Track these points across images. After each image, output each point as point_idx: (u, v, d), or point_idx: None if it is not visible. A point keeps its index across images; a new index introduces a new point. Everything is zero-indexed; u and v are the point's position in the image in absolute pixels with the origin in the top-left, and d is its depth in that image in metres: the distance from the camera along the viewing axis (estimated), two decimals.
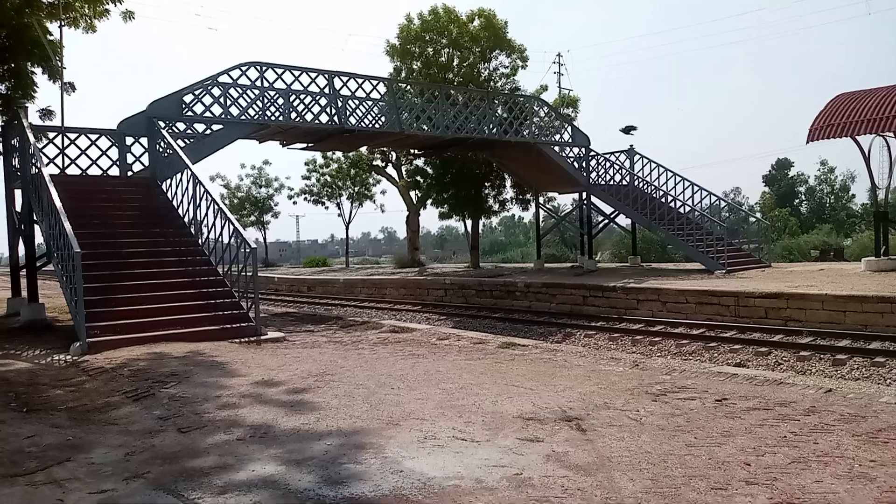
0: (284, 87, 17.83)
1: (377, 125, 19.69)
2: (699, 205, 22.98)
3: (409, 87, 22.96)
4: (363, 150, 32.62)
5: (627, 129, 28.74)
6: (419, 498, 3.91)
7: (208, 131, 16.71)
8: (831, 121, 16.21)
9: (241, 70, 17.15)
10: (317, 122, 18.42)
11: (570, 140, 23.81)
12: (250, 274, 11.15)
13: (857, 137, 16.54)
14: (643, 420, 5.48)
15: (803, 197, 61.93)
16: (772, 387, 6.60)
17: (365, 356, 9.30)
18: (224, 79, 16.85)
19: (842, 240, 35.77)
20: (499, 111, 22.67)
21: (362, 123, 19.26)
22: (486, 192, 28.51)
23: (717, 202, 23.69)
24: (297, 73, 18.08)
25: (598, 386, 6.85)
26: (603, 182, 24.21)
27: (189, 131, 16.49)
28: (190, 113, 16.37)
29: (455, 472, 4.33)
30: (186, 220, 13.47)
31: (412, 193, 33.37)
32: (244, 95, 17.15)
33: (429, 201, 30.83)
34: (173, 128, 16.03)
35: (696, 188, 23.00)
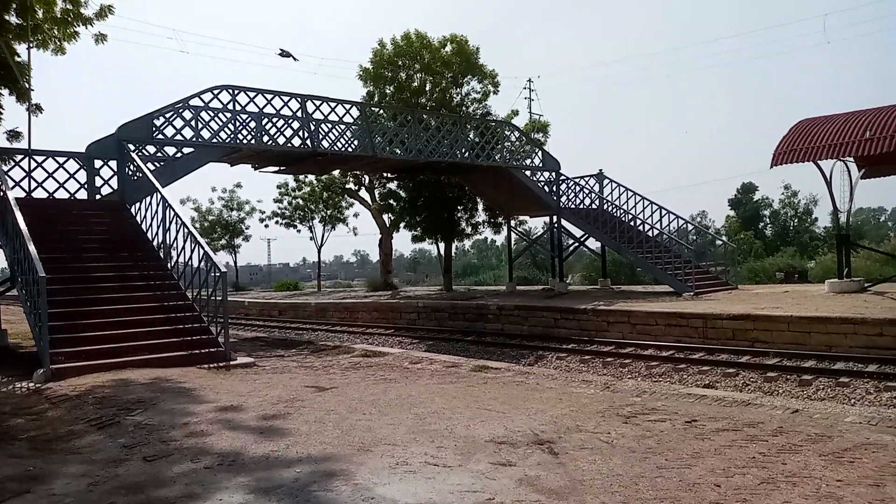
0: (257, 110, 17.81)
1: (350, 149, 19.73)
2: (667, 228, 23.34)
3: (381, 111, 23.10)
4: (336, 173, 32.61)
5: (284, 53, 27.24)
6: None
7: (179, 154, 16.59)
8: (794, 146, 16.65)
9: (212, 93, 17.10)
10: (289, 145, 18.40)
11: (540, 164, 24.09)
12: (220, 298, 11.01)
13: (818, 162, 16.99)
14: (614, 442, 5.50)
15: (768, 220, 63.26)
16: (740, 408, 6.69)
17: (336, 381, 9.21)
18: (195, 102, 16.77)
19: (805, 262, 36.57)
20: (471, 136, 22.89)
21: (335, 147, 19.28)
22: (459, 215, 28.65)
23: (685, 225, 24.09)
24: (269, 96, 18.08)
25: (570, 408, 6.87)
26: (573, 206, 24.50)
27: (159, 154, 16.34)
28: (160, 136, 16.24)
29: (427, 498, 4.30)
30: (156, 243, 13.29)
31: (385, 216, 33.38)
32: (216, 118, 17.09)
33: (402, 224, 30.87)
34: (143, 150, 15.88)
35: (663, 212, 23.37)
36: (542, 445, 5.46)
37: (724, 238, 27.40)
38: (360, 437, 5.92)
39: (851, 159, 17.67)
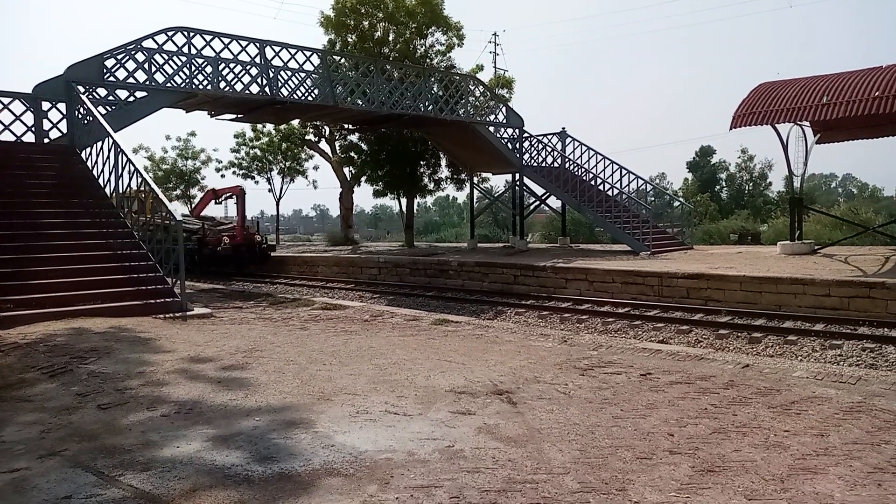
0: (213, 54, 17.20)
1: (310, 98, 19.27)
2: (627, 188, 23.60)
3: (343, 60, 22.56)
4: (295, 123, 31.92)
5: None
6: (351, 471, 3.88)
7: (132, 98, 15.97)
8: (753, 109, 16.87)
9: (166, 35, 16.42)
10: (247, 92, 17.88)
11: (504, 121, 23.95)
12: (175, 248, 10.77)
13: (776, 126, 17.27)
14: (571, 393, 5.61)
15: (724, 183, 64.45)
16: (693, 362, 6.87)
17: (296, 332, 9.16)
18: (149, 44, 16.10)
19: (759, 225, 37.46)
20: (434, 88, 22.56)
21: (294, 95, 18.81)
22: (422, 170, 28.41)
23: (644, 186, 24.38)
24: (226, 40, 17.46)
25: (529, 361, 6.97)
26: (536, 164, 24.51)
27: (111, 98, 15.70)
28: (112, 78, 15.59)
29: (387, 445, 4.33)
30: (108, 191, 12.87)
31: (346, 170, 32.91)
32: (170, 62, 16.45)
33: (363, 178, 30.48)
34: (94, 93, 15.24)
35: (624, 172, 23.58)
36: (501, 395, 5.53)
37: (681, 199, 27.84)
38: (321, 386, 5.91)
39: (808, 124, 18.02)
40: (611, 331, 11.90)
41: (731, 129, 17.27)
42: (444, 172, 29.23)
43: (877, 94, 15.05)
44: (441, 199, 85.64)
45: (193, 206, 32.31)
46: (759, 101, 16.93)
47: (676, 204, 25.97)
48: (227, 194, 27.71)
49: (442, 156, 28.18)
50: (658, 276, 14.68)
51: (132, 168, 11.80)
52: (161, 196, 11.16)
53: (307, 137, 34.97)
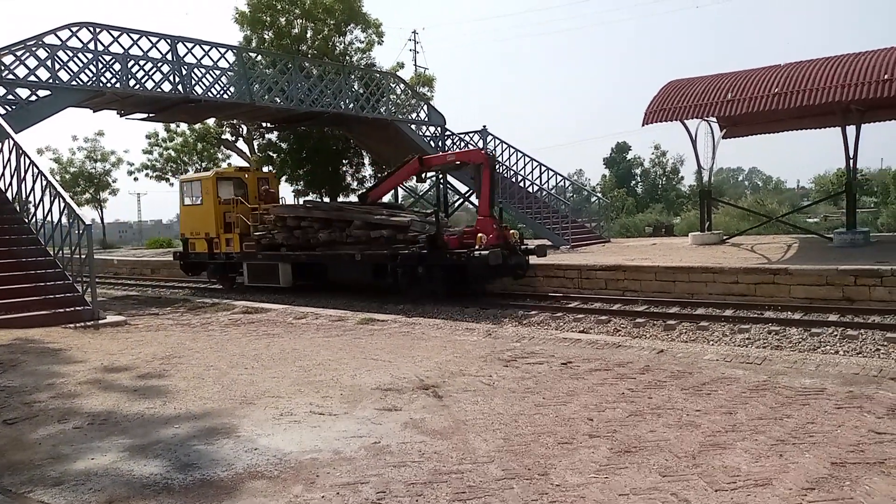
0: (121, 51, 16.49)
1: (225, 96, 18.77)
2: (547, 185, 24.10)
3: (260, 57, 22.06)
4: (211, 122, 30.97)
5: None
6: (275, 473, 3.84)
7: (34, 97, 15.13)
8: (663, 105, 17.57)
9: (70, 31, 15.65)
10: (158, 90, 17.24)
11: (426, 119, 24.01)
12: (85, 255, 10.29)
13: (685, 122, 18.06)
14: (496, 384, 5.71)
15: (639, 178, 66.84)
16: (611, 349, 7.12)
17: (216, 337, 8.93)
18: (51, 39, 15.29)
19: (672, 218, 39.07)
20: (355, 86, 22.38)
21: (209, 93, 18.27)
22: (344, 169, 28.13)
23: (563, 183, 24.98)
24: (135, 36, 16.78)
25: (454, 355, 7.05)
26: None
27: (10, 97, 14.82)
28: (11, 76, 14.71)
29: (312, 445, 4.29)
30: (10, 195, 12.15)
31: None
32: (75, 59, 15.68)
33: (283, 178, 29.90)
34: None
35: (544, 169, 24.09)
36: (427, 390, 5.58)
37: (598, 195, 28.70)
38: (243, 391, 5.80)
39: (714, 120, 18.92)
40: (533, 323, 12.14)
41: (643, 125, 17.94)
42: (368, 171, 29.06)
43: (776, 90, 15.95)
44: None
45: (374, 184, 19.54)
46: (669, 98, 17.65)
47: (594, 199, 26.74)
48: (453, 161, 16.94)
49: (365, 154, 27.99)
50: (578, 269, 15.08)
51: (36, 171, 11.19)
52: (68, 200, 10.64)
53: (224, 137, 33.98)
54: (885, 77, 14.48)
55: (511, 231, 15.19)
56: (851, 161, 17.02)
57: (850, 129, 16.84)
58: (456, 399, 5.28)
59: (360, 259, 15.31)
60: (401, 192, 28.40)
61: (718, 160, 22.65)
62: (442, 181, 24.96)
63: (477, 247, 14.06)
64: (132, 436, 4.62)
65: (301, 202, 20.81)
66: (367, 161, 28.58)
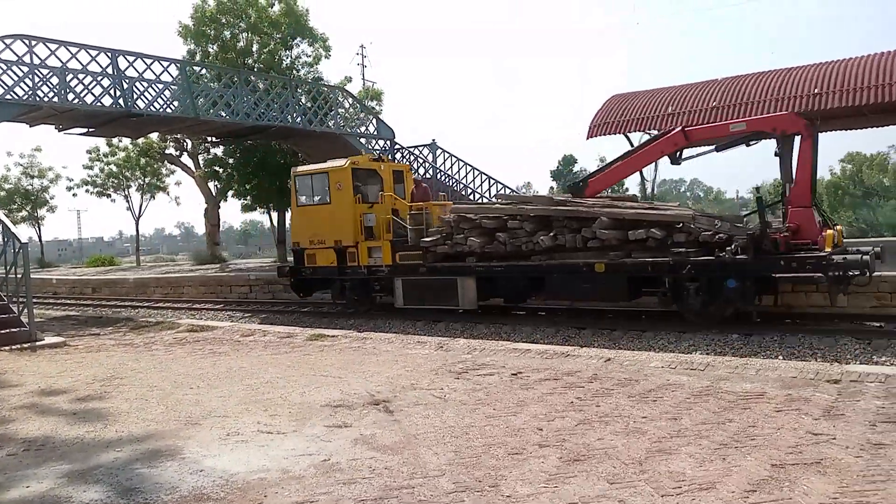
0: (59, 64, 15.99)
1: (169, 110, 18.38)
2: (494, 197, 24.32)
3: (204, 70, 21.69)
4: (154, 136, 30.28)
5: None
6: (221, 495, 3.74)
7: None
8: (607, 119, 18.00)
9: (4, 43, 15.10)
10: (98, 104, 16.77)
11: (375, 132, 23.99)
12: (21, 274, 9.90)
13: (628, 134, 18.52)
14: (447, 397, 5.71)
15: None
16: (560, 359, 7.20)
17: (160, 357, 8.69)
18: None
19: None
20: (302, 100, 22.21)
21: (152, 107, 17.86)
22: None
23: (511, 195, 25.22)
24: (74, 49, 16.31)
25: (405, 369, 7.02)
26: None
27: None
28: None
29: (260, 465, 4.21)
30: None
31: (211, 184, 31.59)
32: (9, 72, 15.14)
33: (230, 193, 29.41)
34: None
35: (492, 181, 24.31)
36: (378, 405, 5.54)
37: None
38: (188, 411, 5.65)
39: (656, 132, 19.44)
40: (485, 334, 12.19)
41: (587, 138, 18.32)
42: None
43: (714, 104, 16.53)
44: None
45: (599, 169, 13.68)
46: (612, 111, 18.08)
47: None
48: (740, 133, 11.48)
49: None
50: None
51: None
52: (3, 218, 10.24)
53: (167, 152, 33.25)
54: (816, 91, 15.17)
55: (837, 227, 10.72)
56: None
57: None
58: (407, 413, 5.25)
59: (604, 270, 11.07)
60: None
61: (661, 172, 23.24)
62: None
63: (819, 248, 10.13)
64: (71, 461, 4.45)
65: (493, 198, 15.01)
66: None
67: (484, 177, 24.39)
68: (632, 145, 18.96)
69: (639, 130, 17.99)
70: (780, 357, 8.56)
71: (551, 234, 11.65)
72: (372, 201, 14.41)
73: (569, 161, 68.16)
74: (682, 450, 4.19)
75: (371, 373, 6.91)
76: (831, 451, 4.06)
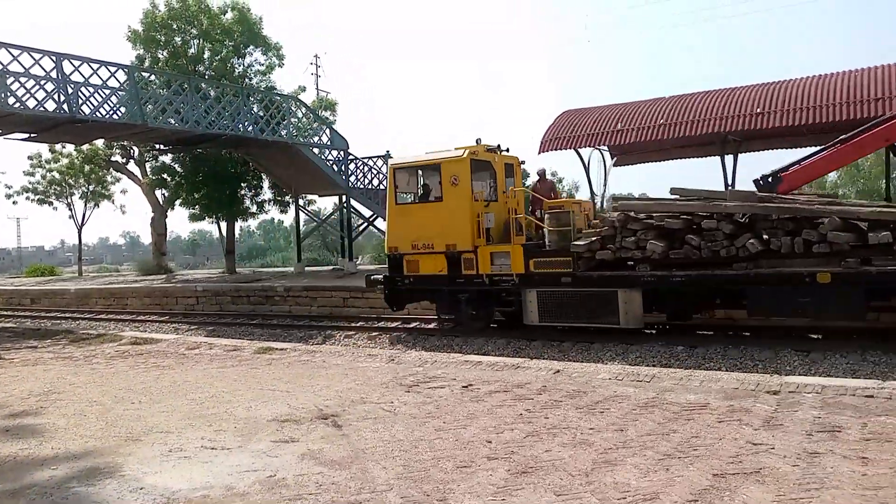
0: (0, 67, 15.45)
1: (116, 116, 17.90)
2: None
3: (153, 77, 21.22)
4: (99, 143, 29.46)
5: None
6: None
7: None
8: (558, 134, 18.24)
9: None
10: (41, 109, 16.22)
11: (329, 142, 23.83)
12: None
13: (579, 150, 18.81)
14: (397, 410, 5.68)
15: None
16: (510, 371, 7.24)
17: (100, 371, 8.41)
18: None
19: None
20: (255, 109, 21.93)
21: (97, 113, 17.37)
22: (243, 192, 27.37)
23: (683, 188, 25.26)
24: (16, 52, 15.77)
25: (356, 382, 6.96)
26: (362, 186, 24.61)
27: None
28: None
29: (203, 482, 4.10)
30: None
31: (158, 193, 30.87)
32: None
33: (178, 202, 28.76)
34: None
35: None
36: (327, 420, 5.47)
37: None
38: (128, 427, 5.48)
39: (606, 148, 19.81)
40: (437, 346, 12.19)
41: (539, 153, 18.52)
42: (268, 194, 28.39)
43: (662, 121, 16.93)
44: (266, 222, 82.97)
45: (801, 160, 11.18)
46: (563, 127, 18.35)
47: None
48: None
49: (265, 177, 27.40)
50: None
51: None
52: None
53: (113, 159, 32.37)
54: (758, 110, 15.69)
55: None
56: (730, 187, 18.24)
57: (729, 158, 18.08)
58: (356, 427, 5.20)
59: (829, 280, 9.15)
60: (302, 216, 27.94)
61: (612, 186, 23.72)
62: (345, 206, 24.78)
63: None
64: (2, 480, 4.27)
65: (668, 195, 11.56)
66: (266, 184, 27.98)
67: None
68: (582, 160, 19.29)
69: (589, 146, 18.31)
70: (723, 368, 8.80)
71: (755, 238, 9.71)
72: (488, 199, 12.48)
73: (524, 174, 69.04)
74: (628, 461, 4.25)
75: (320, 386, 6.82)
76: (770, 460, 4.18)
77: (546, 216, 11.64)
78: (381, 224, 26.79)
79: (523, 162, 14.16)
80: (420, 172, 12.86)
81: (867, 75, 14.89)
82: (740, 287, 9.96)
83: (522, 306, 11.57)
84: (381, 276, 13.55)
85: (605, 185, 20.17)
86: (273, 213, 30.27)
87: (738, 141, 17.15)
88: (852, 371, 8.34)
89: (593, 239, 10.90)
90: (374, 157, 25.33)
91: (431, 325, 14.11)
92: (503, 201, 12.44)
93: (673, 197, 11.19)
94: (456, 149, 12.53)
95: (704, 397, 5.78)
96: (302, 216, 28.42)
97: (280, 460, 4.47)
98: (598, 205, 20.55)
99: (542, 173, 13.21)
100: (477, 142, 12.61)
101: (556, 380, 6.73)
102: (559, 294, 11.18)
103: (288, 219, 37.38)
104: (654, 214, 10.50)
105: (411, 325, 14.31)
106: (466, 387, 6.50)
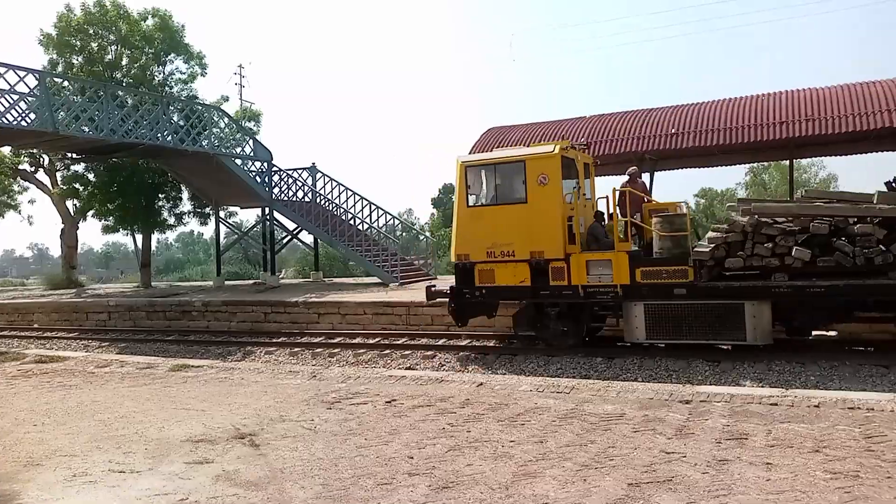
0: None
1: (24, 123, 16.97)
2: (376, 223, 24.31)
3: (66, 82, 20.26)
4: (6, 150, 27.85)
5: None
6: None
7: None
8: (484, 150, 18.52)
9: None
10: None
11: (252, 153, 23.33)
12: None
13: None
14: (317, 428, 5.57)
15: None
16: (434, 385, 7.24)
17: (0, 392, 7.89)
18: None
19: None
20: (175, 118, 21.25)
21: (4, 119, 16.42)
22: (160, 203, 26.41)
23: (392, 221, 25.32)
24: None
25: (275, 400, 6.79)
26: (286, 198, 24.20)
27: None
28: None
29: None
30: None
31: (69, 203, 29.40)
32: None
33: (90, 212, 27.48)
34: None
35: (373, 207, 24.29)
36: (244, 439, 5.31)
37: (427, 234, 29.46)
38: (29, 451, 5.16)
39: None
40: (362, 361, 12.07)
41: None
42: (187, 206, 27.50)
43: (583, 139, 17.44)
44: (185, 234, 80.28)
45: None
46: (489, 144, 18.63)
47: (422, 238, 27.35)
48: None
49: (184, 188, 26.54)
50: (406, 306, 15.25)
51: None
52: None
53: (21, 167, 30.65)
54: (673, 131, 16.41)
55: None
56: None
57: (645, 176, 18.77)
58: (274, 447, 5.07)
59: None
60: (223, 228, 27.21)
61: None
62: (268, 219, 24.29)
63: None
64: None
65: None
66: (186, 195, 27.11)
67: (365, 202, 24.31)
68: None
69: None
70: (640, 379, 9.07)
71: None
72: (572, 201, 11.26)
73: (448, 189, 69.46)
74: (547, 472, 4.31)
75: (238, 405, 6.62)
76: (682, 468, 4.32)
77: (655, 220, 10.43)
78: (306, 237, 26.42)
79: (597, 163, 13.34)
80: (499, 170, 11.44)
81: (771, 100, 15.86)
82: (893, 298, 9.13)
83: (625, 321, 10.46)
84: (445, 289, 12.15)
85: None
86: (193, 224, 29.36)
87: (654, 160, 17.84)
88: (759, 380, 8.76)
89: (718, 245, 9.77)
90: (300, 168, 24.98)
91: (356, 340, 13.96)
92: (583, 203, 11.42)
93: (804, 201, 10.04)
94: (538, 145, 11.73)
95: (621, 408, 5.94)
96: (223, 228, 27.63)
97: (193, 482, 4.30)
98: None
99: (634, 173, 11.98)
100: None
101: (479, 393, 6.77)
102: (672, 308, 10.05)
103: (208, 231, 36.30)
104: (803, 218, 9.45)
105: (336, 340, 14.12)
106: (390, 402, 6.45)
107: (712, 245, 9.76)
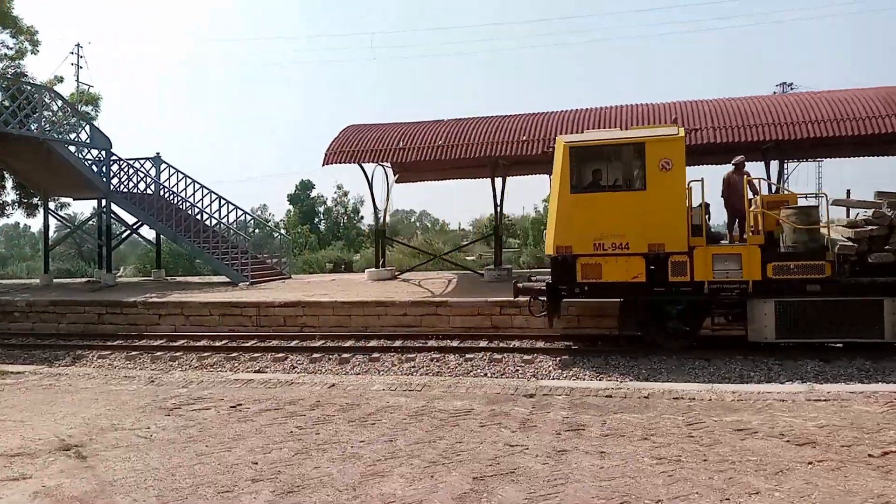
0: None
1: None
2: (226, 218, 23.27)
3: None
4: None
5: None
6: None
7: None
8: (343, 148, 18.29)
9: None
10: None
11: (88, 140, 21.49)
12: None
13: (362, 164, 19.02)
14: (153, 436, 5.23)
15: (322, 216, 68.47)
16: (284, 388, 7.05)
17: None
18: None
19: (353, 255, 40.65)
20: None
21: None
22: None
23: (244, 217, 24.38)
24: None
25: (107, 407, 6.30)
26: (126, 190, 22.52)
27: None
28: None
29: None
30: None
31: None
32: None
33: None
34: None
35: (223, 202, 23.22)
36: (69, 451, 4.88)
37: (282, 231, 28.66)
38: None
39: (389, 165, 20.28)
40: (206, 365, 11.51)
41: (323, 165, 18.42)
42: (11, 195, 24.83)
43: (440, 143, 17.73)
44: (9, 227, 72.47)
45: None
46: (348, 141, 18.45)
47: (277, 235, 26.55)
48: None
49: (8, 176, 23.93)
50: (256, 306, 14.74)
51: None
52: None
53: None
54: (524, 138, 17.09)
55: None
56: (499, 208, 19.65)
57: (498, 181, 19.45)
58: (104, 458, 4.69)
59: None
60: (53, 221, 24.87)
61: (395, 202, 24.25)
62: (105, 212, 22.49)
63: None
64: None
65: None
66: (9, 184, 24.46)
67: (214, 196, 23.17)
68: (366, 175, 19.56)
69: (373, 161, 18.60)
70: (489, 375, 9.38)
71: None
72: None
73: (306, 185, 68.00)
74: (395, 471, 4.33)
75: (63, 414, 6.07)
76: (524, 460, 4.51)
77: (786, 212, 9.84)
78: (147, 232, 24.74)
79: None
80: (612, 153, 10.41)
81: (614, 112, 16.95)
82: None
83: (751, 320, 9.82)
84: (538, 285, 10.96)
85: (387, 199, 20.62)
86: (17, 216, 26.55)
87: (507, 165, 18.56)
88: (597, 374, 9.36)
89: (864, 238, 9.46)
90: (142, 159, 23.38)
91: (201, 343, 13.29)
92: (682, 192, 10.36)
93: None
94: (657, 126, 10.73)
95: (470, 403, 6.10)
96: (53, 221, 25.21)
97: (7, 501, 3.88)
98: (381, 220, 20.95)
99: (740, 163, 11.20)
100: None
101: (330, 394, 6.67)
102: (804, 305, 9.61)
103: (36, 224, 33.01)
104: None
105: (178, 343, 13.36)
106: (235, 407, 6.19)
107: (863, 238, 9.43)
